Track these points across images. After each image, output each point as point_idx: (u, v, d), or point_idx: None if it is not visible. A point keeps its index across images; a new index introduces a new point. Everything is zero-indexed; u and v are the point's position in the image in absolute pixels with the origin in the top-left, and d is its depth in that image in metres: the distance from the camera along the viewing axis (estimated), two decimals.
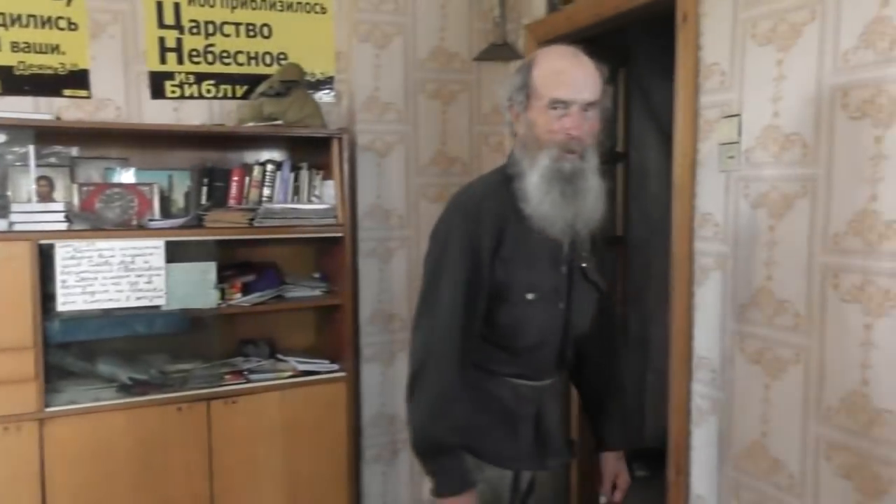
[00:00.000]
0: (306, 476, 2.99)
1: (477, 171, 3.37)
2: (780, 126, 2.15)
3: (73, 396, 2.64)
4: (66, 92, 2.91)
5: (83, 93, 2.93)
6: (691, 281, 2.52)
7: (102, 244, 2.61)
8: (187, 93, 3.10)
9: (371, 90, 3.33)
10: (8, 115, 2.67)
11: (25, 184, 2.73)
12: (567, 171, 1.60)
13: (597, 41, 3.45)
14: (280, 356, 3.11)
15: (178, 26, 3.07)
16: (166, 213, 2.93)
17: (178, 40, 3.07)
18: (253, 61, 3.21)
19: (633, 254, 4.15)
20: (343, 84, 3.37)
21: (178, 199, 3.00)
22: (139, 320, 2.70)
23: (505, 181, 1.70)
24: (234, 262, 3.05)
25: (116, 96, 2.98)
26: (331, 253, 3.14)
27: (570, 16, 3.12)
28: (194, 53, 3.10)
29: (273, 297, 3.00)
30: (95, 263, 2.59)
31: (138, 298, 2.67)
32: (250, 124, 2.97)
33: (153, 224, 2.76)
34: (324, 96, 3.32)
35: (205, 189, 2.95)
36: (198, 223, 2.82)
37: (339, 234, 3.02)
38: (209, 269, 2.79)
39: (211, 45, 3.13)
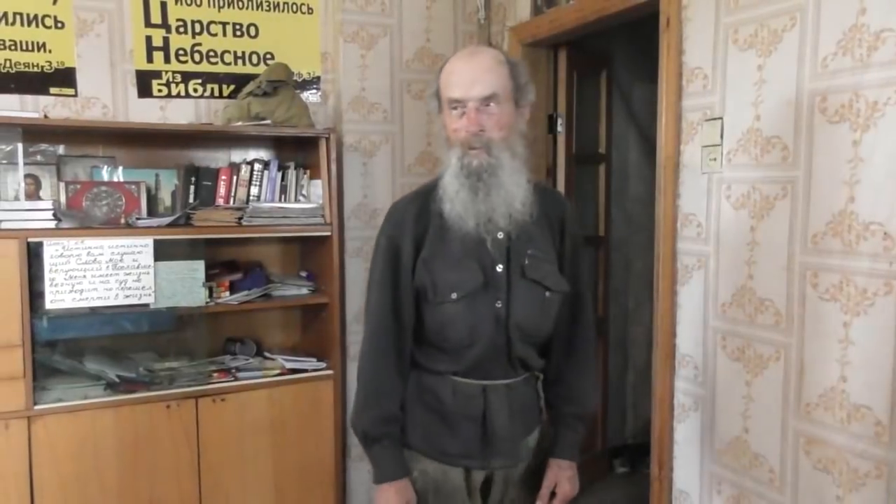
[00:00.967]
0: (293, 473, 3.01)
1: None
2: (760, 129, 2.21)
3: (61, 394, 2.63)
4: (53, 90, 2.90)
5: (70, 91, 2.93)
6: (675, 280, 2.57)
7: (91, 242, 2.61)
8: (174, 92, 3.11)
9: (357, 90, 3.35)
10: None
11: (13, 182, 2.73)
12: (474, 167, 1.62)
13: (580, 45, 3.53)
14: (267, 354, 3.13)
15: (164, 25, 3.07)
16: (153, 211, 2.94)
17: (165, 39, 3.08)
18: (240, 61, 3.22)
19: (614, 254, 4.21)
20: (329, 84, 3.40)
21: (166, 198, 3.01)
22: (127, 318, 2.71)
23: (435, 185, 1.73)
24: (222, 261, 3.06)
25: (103, 95, 2.98)
26: (318, 252, 3.16)
27: (553, 19, 3.16)
28: (181, 52, 3.11)
29: (260, 296, 3.01)
30: (84, 261, 2.59)
31: (126, 296, 2.67)
32: (238, 124, 2.98)
33: (141, 222, 2.77)
34: (310, 96, 3.34)
35: (192, 188, 2.96)
36: (186, 222, 2.83)
37: (327, 233, 3.04)
38: (197, 268, 2.80)
39: (198, 44, 3.13)
